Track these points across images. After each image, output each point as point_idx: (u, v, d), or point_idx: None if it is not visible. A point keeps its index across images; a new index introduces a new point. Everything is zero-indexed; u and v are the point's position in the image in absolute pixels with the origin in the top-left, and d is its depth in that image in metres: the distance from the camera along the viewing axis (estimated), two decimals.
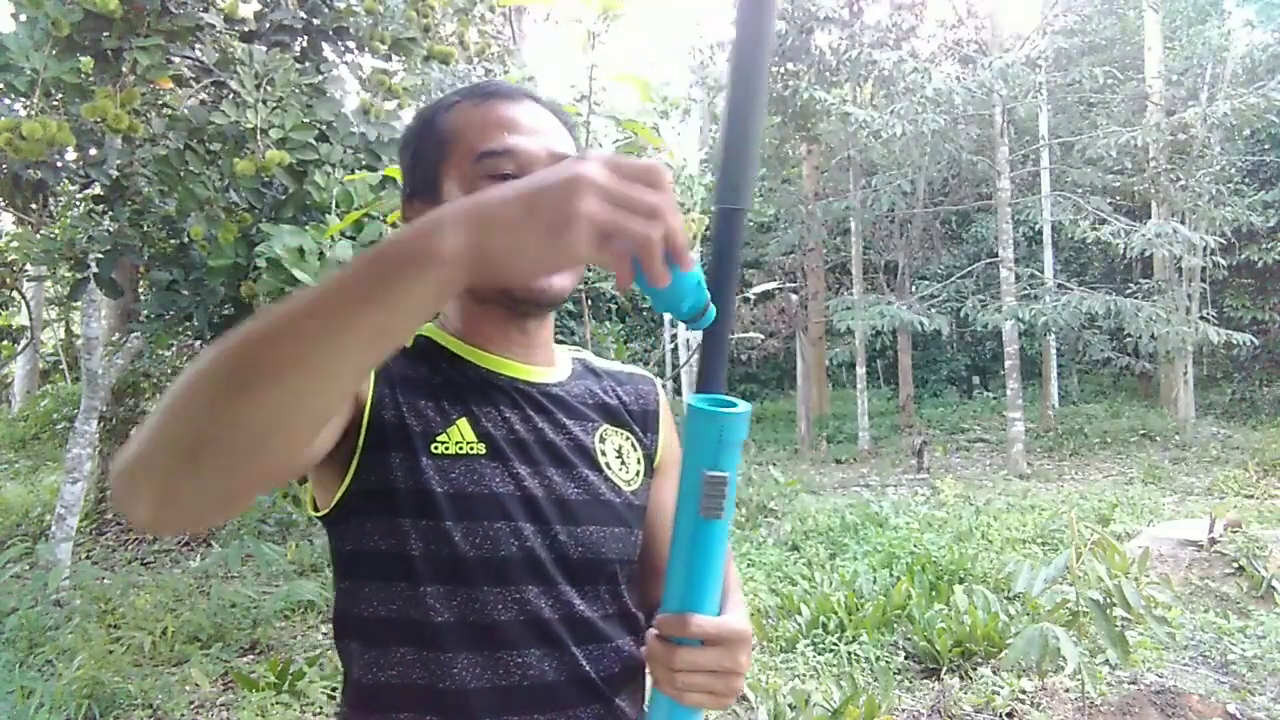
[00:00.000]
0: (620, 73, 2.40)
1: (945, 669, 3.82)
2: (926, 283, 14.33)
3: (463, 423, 0.83)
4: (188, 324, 3.89)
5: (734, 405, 0.64)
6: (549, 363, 0.93)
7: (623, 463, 0.93)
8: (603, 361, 1.02)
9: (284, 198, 3.11)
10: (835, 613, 4.34)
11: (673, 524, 0.69)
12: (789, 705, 3.27)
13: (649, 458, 0.97)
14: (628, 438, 0.95)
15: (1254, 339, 10.70)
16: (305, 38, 3.56)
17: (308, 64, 3.46)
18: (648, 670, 0.73)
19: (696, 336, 2.57)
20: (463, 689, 0.78)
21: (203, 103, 3.45)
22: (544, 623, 0.81)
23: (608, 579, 0.87)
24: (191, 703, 3.55)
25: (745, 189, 0.65)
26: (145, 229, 3.83)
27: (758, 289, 3.96)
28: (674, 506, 1.01)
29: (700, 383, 0.68)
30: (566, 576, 0.83)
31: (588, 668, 0.83)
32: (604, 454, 0.91)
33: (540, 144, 0.84)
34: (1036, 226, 14.68)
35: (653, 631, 0.73)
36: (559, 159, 0.83)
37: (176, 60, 3.31)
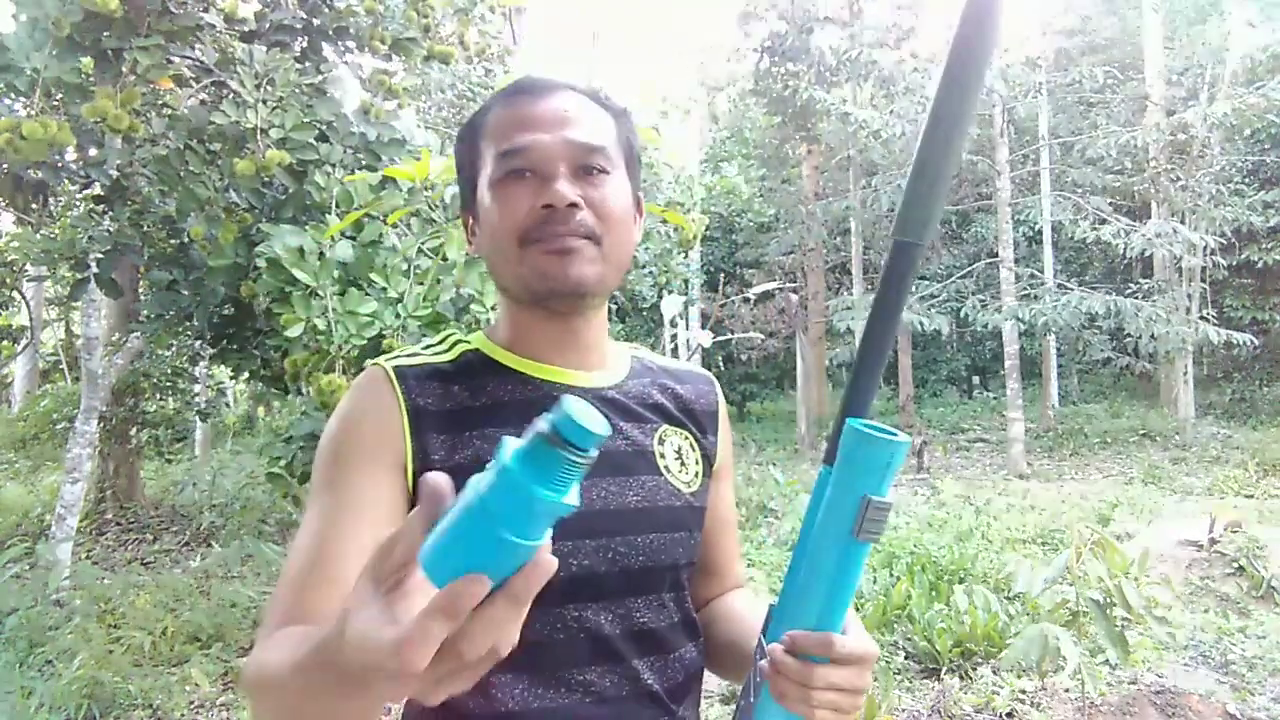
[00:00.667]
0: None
1: (945, 669, 3.82)
2: (926, 283, 14.32)
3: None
4: (188, 324, 3.89)
5: (892, 433, 0.64)
6: (601, 364, 0.90)
7: (682, 464, 0.90)
8: (661, 358, 0.99)
9: (284, 198, 3.11)
10: None
11: (814, 541, 0.68)
12: None
13: (708, 458, 0.94)
14: (687, 438, 0.92)
15: (1254, 339, 10.70)
16: (305, 38, 3.56)
17: (308, 64, 3.46)
18: (773, 684, 0.70)
19: (698, 337, 2.57)
20: (525, 710, 0.77)
21: (203, 103, 3.45)
22: (604, 639, 0.80)
23: (671, 585, 0.86)
24: (191, 703, 3.55)
25: (929, 226, 0.65)
26: (145, 229, 3.83)
27: (758, 289, 3.95)
28: (729, 508, 0.99)
29: (852, 407, 0.67)
30: (629, 588, 0.82)
31: (650, 680, 0.82)
32: (663, 456, 0.88)
33: (559, 137, 0.80)
34: (1036, 226, 14.68)
35: (778, 646, 0.70)
36: (579, 149, 0.81)
37: (176, 60, 3.31)
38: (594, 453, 0.42)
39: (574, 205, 0.79)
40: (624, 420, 0.87)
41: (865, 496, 0.63)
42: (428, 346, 0.88)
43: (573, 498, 0.43)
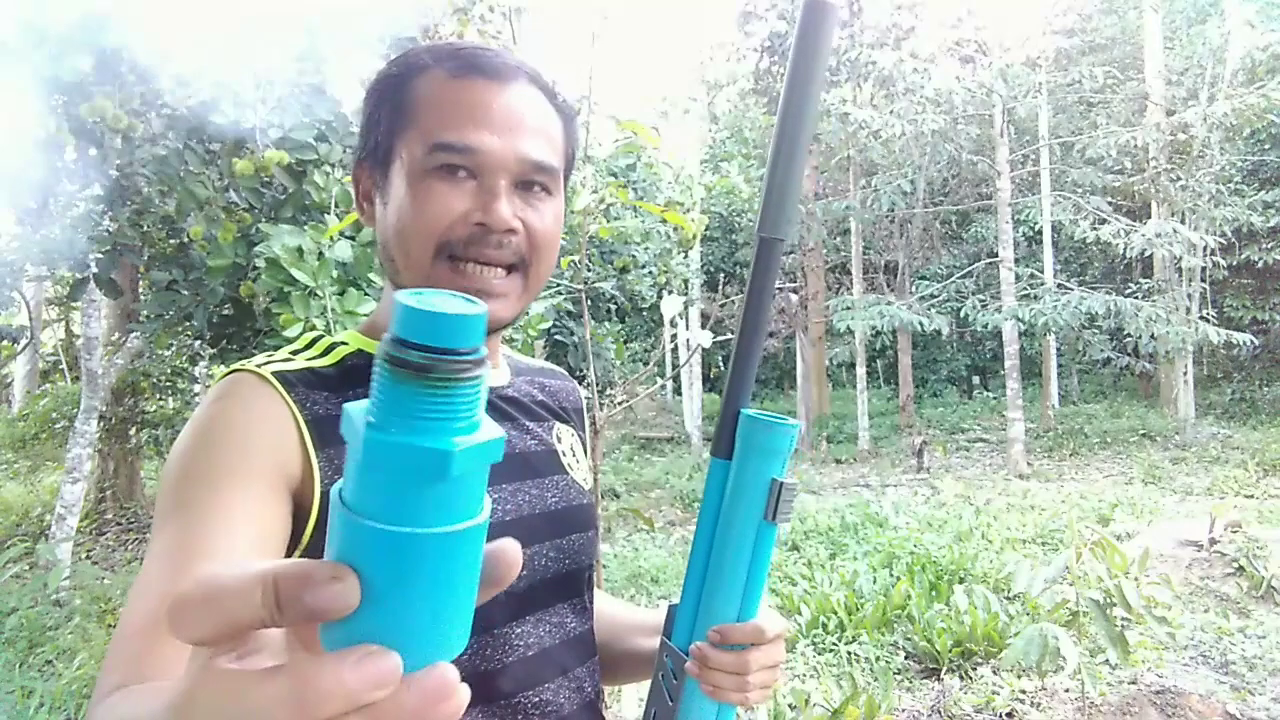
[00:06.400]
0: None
1: (945, 669, 3.82)
2: (926, 283, 14.32)
3: None
4: (188, 324, 3.89)
5: (783, 419, 0.67)
6: (495, 364, 0.84)
7: (576, 460, 0.88)
8: (521, 356, 0.96)
9: (284, 198, 3.11)
10: (835, 613, 4.34)
11: (725, 531, 0.68)
12: (789, 705, 3.27)
13: (587, 455, 0.94)
14: (573, 433, 0.91)
15: (1254, 339, 10.70)
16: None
17: (308, 64, 3.46)
18: (707, 680, 0.69)
19: (697, 337, 2.57)
20: None
21: (203, 103, 3.45)
22: (548, 653, 0.77)
23: (588, 585, 0.85)
24: None
25: (790, 221, 0.65)
26: (145, 229, 3.83)
27: None
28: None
29: (737, 399, 0.69)
30: (561, 594, 0.80)
31: (589, 687, 0.80)
32: (564, 454, 0.86)
33: (511, 145, 0.71)
34: (1036, 226, 14.67)
35: (705, 644, 0.69)
36: (529, 165, 0.72)
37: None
38: (469, 350, 0.27)
39: (511, 231, 0.72)
40: (528, 419, 0.84)
41: (776, 480, 0.66)
42: (295, 351, 0.75)
43: (482, 432, 0.28)
